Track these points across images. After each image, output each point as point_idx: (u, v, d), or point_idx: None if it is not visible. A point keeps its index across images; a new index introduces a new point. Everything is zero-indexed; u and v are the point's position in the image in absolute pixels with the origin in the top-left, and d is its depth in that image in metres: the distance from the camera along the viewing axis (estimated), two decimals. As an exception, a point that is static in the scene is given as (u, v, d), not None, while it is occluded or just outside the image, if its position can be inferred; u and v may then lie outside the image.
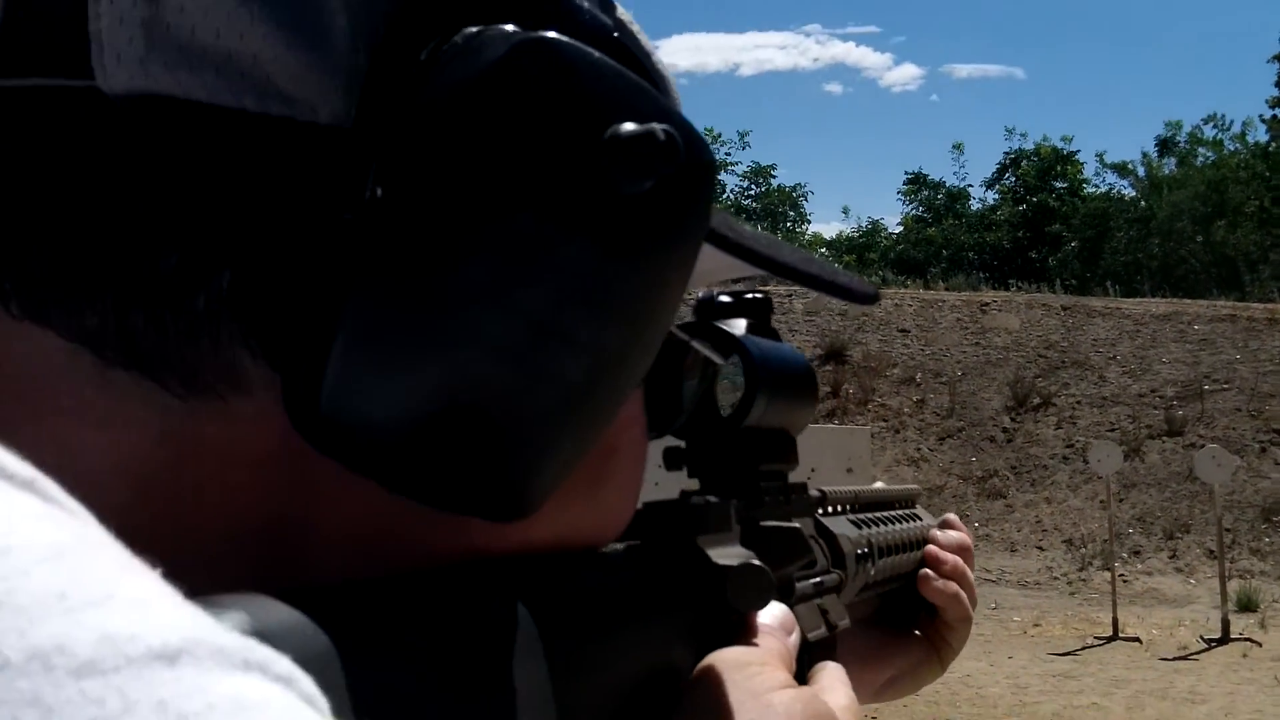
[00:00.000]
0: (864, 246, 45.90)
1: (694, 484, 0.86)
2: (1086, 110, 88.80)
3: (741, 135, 52.04)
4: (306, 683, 0.33)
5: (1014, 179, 45.58)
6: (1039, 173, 44.19)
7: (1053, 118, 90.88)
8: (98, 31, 0.46)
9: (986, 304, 24.71)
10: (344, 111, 0.46)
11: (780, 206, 47.01)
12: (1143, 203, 41.37)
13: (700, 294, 0.90)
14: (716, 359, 0.72)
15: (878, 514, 1.16)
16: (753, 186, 48.27)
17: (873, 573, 1.08)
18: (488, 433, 0.48)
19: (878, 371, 22.62)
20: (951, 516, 1.31)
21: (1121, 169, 43.91)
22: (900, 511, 1.24)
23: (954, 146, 58.04)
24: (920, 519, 1.28)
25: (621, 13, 0.55)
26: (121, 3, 0.46)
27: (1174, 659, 12.44)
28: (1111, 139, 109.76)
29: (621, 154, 0.46)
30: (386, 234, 0.45)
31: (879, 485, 1.22)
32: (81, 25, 0.46)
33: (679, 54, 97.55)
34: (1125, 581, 16.41)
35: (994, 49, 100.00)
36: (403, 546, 0.52)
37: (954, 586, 1.23)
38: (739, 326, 0.87)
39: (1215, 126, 45.48)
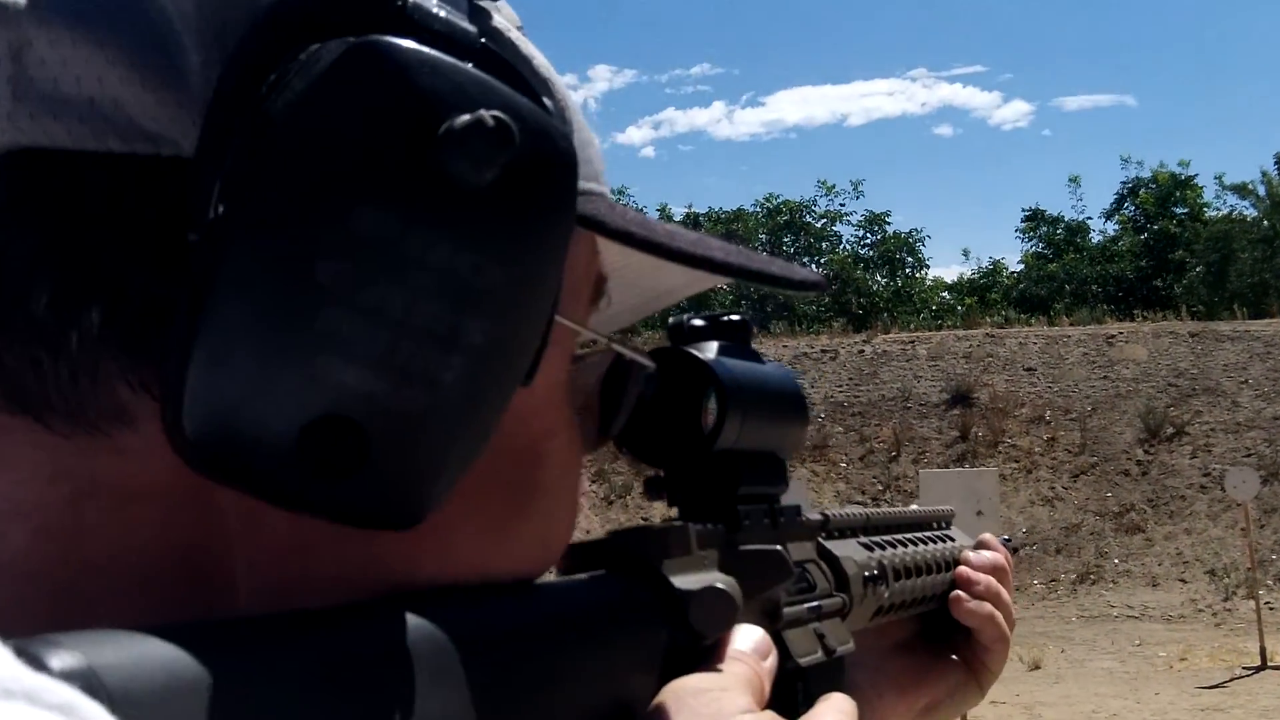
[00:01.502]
0: (985, 287, 45.51)
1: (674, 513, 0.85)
2: (1202, 133, 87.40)
3: (855, 185, 51.85)
4: (89, 710, 0.34)
5: (1133, 208, 45.04)
6: (1158, 200, 43.59)
7: (1168, 143, 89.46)
8: None
9: (1112, 336, 24.46)
10: None
11: (897, 253, 46.82)
12: (1265, 222, 40.59)
13: (671, 319, 0.89)
14: (645, 362, 0.70)
15: (896, 536, 1.14)
16: (869, 235, 48.21)
17: (887, 595, 1.06)
18: (360, 440, 0.48)
19: (1006, 412, 22.49)
20: (988, 537, 1.29)
21: (1241, 190, 43.09)
22: (928, 533, 1.21)
23: (1070, 179, 57.40)
24: (953, 539, 1.25)
25: (499, 21, 0.56)
26: None
27: (1325, 685, 12.22)
28: (1229, 160, 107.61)
29: (457, 145, 0.46)
30: (230, 250, 0.45)
31: (913, 508, 1.23)
32: None
33: (785, 109, 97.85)
34: (1271, 609, 16.12)
35: (1103, 78, 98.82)
36: (317, 571, 0.53)
37: (987, 607, 1.21)
38: (710, 350, 0.85)
39: (1338, 138, 44.42)
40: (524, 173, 0.49)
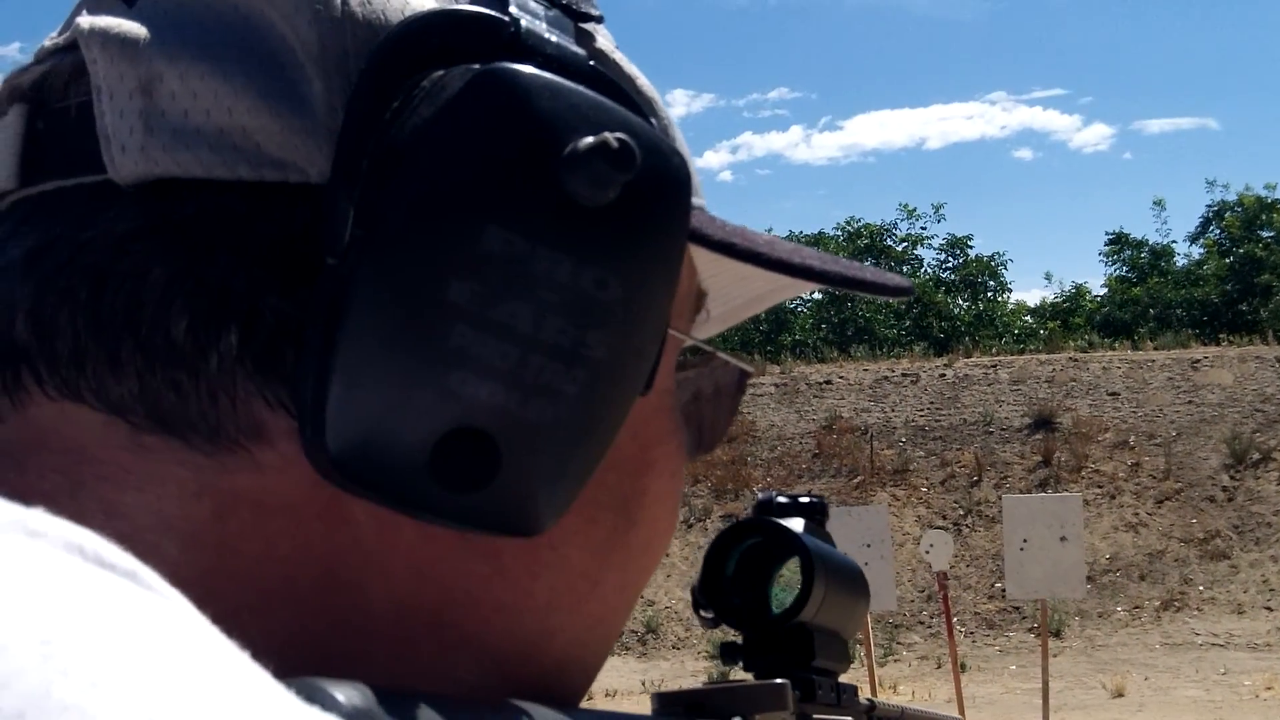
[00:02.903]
0: (1068, 311, 45.12)
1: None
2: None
3: (936, 208, 51.39)
4: None
5: (1219, 231, 44.47)
6: (1244, 223, 42.93)
7: (1253, 165, 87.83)
8: (103, 128, 0.52)
9: (1197, 360, 24.20)
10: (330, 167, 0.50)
11: (979, 277, 46.52)
12: (1354, 244, 39.93)
13: (760, 495, 0.94)
14: (746, 368, 0.73)
15: None
16: (950, 258, 47.95)
17: None
18: (491, 451, 0.50)
19: (1089, 437, 22.33)
20: None
21: (1330, 212, 42.45)
22: None
23: (1155, 203, 56.73)
24: None
25: (602, 44, 0.59)
26: (120, 98, 0.52)
27: None
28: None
29: (579, 167, 0.48)
30: (364, 274, 0.47)
31: (937, 713, 1.24)
32: (91, 126, 0.53)
33: (863, 132, 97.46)
34: (1359, 638, 15.89)
35: (1185, 101, 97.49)
36: (444, 582, 0.55)
37: None
38: (797, 525, 0.89)
39: None
40: (643, 190, 0.51)
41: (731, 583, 0.89)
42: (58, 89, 0.55)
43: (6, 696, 0.29)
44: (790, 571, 0.88)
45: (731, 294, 0.71)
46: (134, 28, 0.53)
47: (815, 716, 0.84)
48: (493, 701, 0.53)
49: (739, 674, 0.87)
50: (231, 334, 0.50)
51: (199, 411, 0.51)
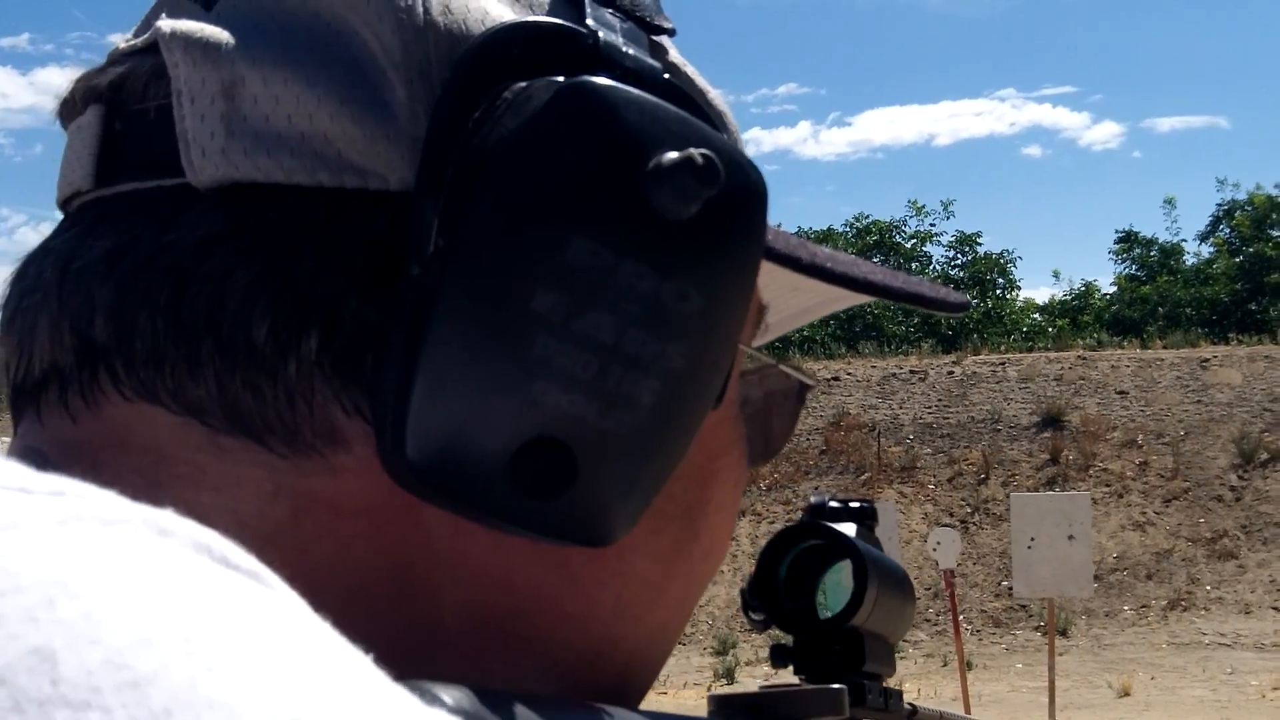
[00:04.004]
0: (1077, 309, 45.05)
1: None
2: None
3: (945, 205, 51.29)
4: None
5: (1229, 230, 44.43)
6: (1254, 222, 42.92)
7: (1264, 165, 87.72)
8: (184, 131, 0.52)
9: (1206, 360, 24.19)
10: (411, 176, 0.51)
11: (988, 274, 46.42)
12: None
13: (812, 500, 0.95)
14: (808, 380, 0.74)
15: None
16: (959, 255, 47.93)
17: None
18: (569, 460, 0.50)
19: (1098, 435, 22.33)
20: None
21: (1341, 212, 42.40)
22: None
23: (1165, 201, 56.51)
24: None
25: (674, 56, 0.60)
26: (202, 102, 0.52)
27: None
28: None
29: (665, 181, 0.48)
30: (450, 284, 0.48)
31: (971, 718, 1.31)
32: (169, 129, 0.53)
33: (872, 129, 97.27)
34: (1367, 639, 15.87)
35: (1195, 100, 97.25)
36: (515, 588, 0.56)
37: None
38: (849, 530, 0.89)
39: None
40: (723, 205, 0.51)
41: (784, 585, 0.89)
42: (136, 91, 0.55)
43: (153, 693, 0.29)
44: (840, 575, 0.88)
45: (783, 304, 0.71)
46: (216, 32, 0.53)
47: None
48: (580, 703, 0.54)
49: (786, 677, 0.88)
50: (312, 338, 0.51)
51: (276, 415, 0.51)
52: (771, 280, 0.64)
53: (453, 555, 0.54)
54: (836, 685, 0.75)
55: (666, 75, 0.54)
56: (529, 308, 0.48)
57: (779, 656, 0.91)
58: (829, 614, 0.88)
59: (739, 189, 0.53)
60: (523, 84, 0.50)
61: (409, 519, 0.53)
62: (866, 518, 0.94)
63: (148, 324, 0.52)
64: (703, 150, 0.49)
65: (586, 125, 0.49)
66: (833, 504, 0.94)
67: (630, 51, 0.53)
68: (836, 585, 0.88)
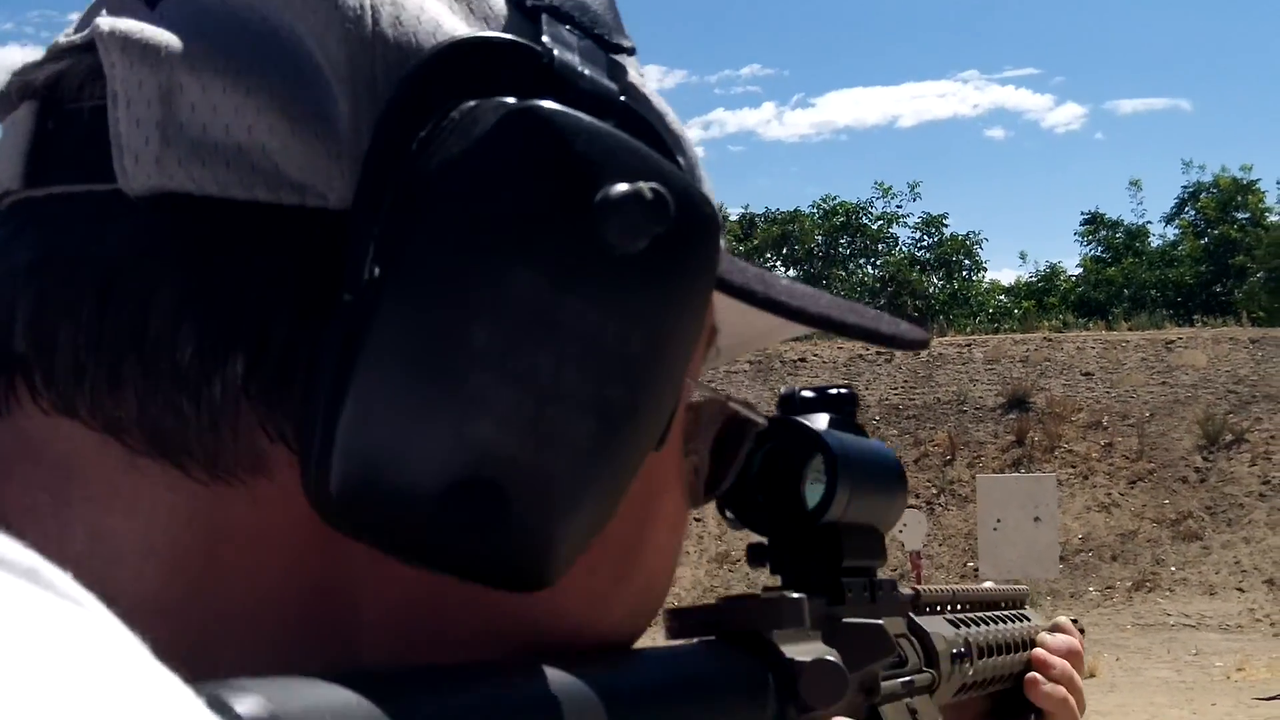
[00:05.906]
0: (1043, 291, 45.17)
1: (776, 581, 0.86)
2: (1263, 136, 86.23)
3: (912, 186, 51.39)
4: None
5: (1194, 212, 44.63)
6: (1219, 204, 43.12)
7: (1229, 147, 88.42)
8: (117, 135, 0.49)
9: (1172, 341, 24.26)
10: (351, 195, 0.49)
11: (954, 256, 46.53)
12: (1330, 228, 40.13)
13: (783, 390, 0.91)
14: (758, 419, 0.69)
15: (978, 614, 1.15)
16: (925, 237, 47.97)
17: (971, 673, 1.07)
18: (499, 501, 0.48)
19: (1063, 417, 22.35)
20: (1063, 620, 1.30)
21: (1306, 194, 42.64)
22: (1006, 612, 1.22)
23: (1131, 183, 56.82)
24: (1029, 619, 1.25)
25: (633, 76, 0.56)
26: (138, 106, 0.49)
27: (1385, 697, 12.06)
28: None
29: (612, 214, 0.47)
30: (383, 313, 0.46)
31: (988, 585, 1.23)
32: (104, 132, 0.50)
33: (836, 110, 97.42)
34: (1331, 619, 15.92)
35: (1156, 82, 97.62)
36: (440, 622, 0.53)
37: (1062, 691, 1.20)
38: (821, 422, 0.86)
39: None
40: (672, 240, 0.49)
41: (756, 482, 0.86)
42: (71, 89, 0.52)
43: None
44: (818, 470, 0.84)
45: (736, 329, 0.68)
46: (156, 33, 0.51)
47: (846, 620, 0.80)
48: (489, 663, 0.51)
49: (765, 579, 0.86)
50: (238, 361, 0.49)
51: (197, 439, 0.49)
52: (725, 302, 0.60)
53: (377, 585, 0.52)
54: (796, 595, 0.69)
55: (623, 98, 0.52)
56: (465, 342, 0.46)
57: (755, 556, 0.88)
58: (806, 510, 0.84)
59: (690, 224, 0.50)
60: (471, 104, 0.48)
61: (332, 549, 0.51)
62: (845, 404, 0.90)
63: (69, 338, 0.49)
64: (653, 184, 0.47)
65: (532, 152, 0.47)
66: (805, 394, 0.90)
67: (586, 72, 0.51)
68: (816, 480, 0.85)
